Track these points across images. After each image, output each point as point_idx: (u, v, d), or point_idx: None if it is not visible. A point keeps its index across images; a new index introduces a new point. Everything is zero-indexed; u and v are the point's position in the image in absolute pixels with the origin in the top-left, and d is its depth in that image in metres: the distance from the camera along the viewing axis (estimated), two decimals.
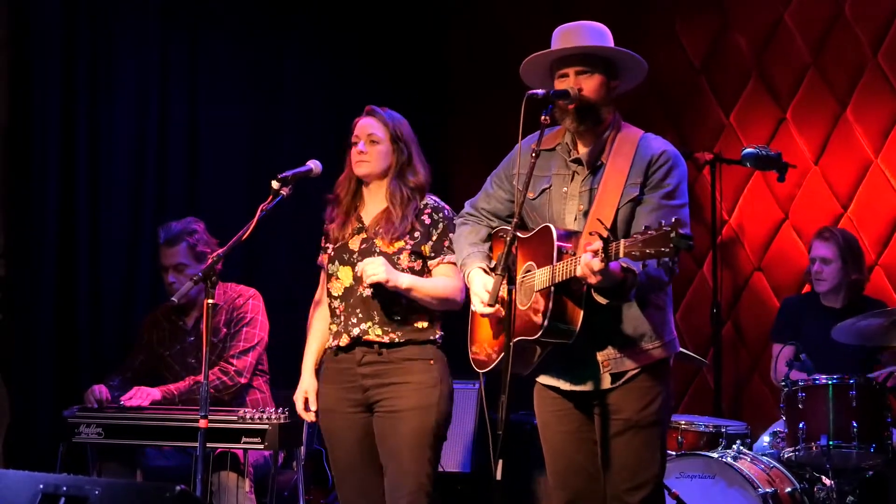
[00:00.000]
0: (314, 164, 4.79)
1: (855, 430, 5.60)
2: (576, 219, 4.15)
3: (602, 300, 3.95)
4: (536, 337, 4.00)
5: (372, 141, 4.81)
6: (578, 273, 3.82)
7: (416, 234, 4.79)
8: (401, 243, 4.77)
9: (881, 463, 5.72)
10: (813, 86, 7.15)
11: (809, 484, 5.79)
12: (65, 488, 3.82)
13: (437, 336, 4.81)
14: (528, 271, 4.12)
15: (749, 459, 5.75)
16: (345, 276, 4.80)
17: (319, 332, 4.93)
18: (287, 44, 7.53)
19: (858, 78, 7.01)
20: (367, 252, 4.77)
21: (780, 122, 7.26)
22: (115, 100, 6.54)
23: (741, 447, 5.83)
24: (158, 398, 5.52)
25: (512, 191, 4.31)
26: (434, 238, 4.81)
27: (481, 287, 4.20)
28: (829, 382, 5.70)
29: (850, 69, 7.05)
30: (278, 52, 7.48)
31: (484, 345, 4.32)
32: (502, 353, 4.06)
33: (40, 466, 4.66)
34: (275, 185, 4.66)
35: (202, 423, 4.44)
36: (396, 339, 4.73)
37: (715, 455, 5.75)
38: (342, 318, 4.78)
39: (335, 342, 4.79)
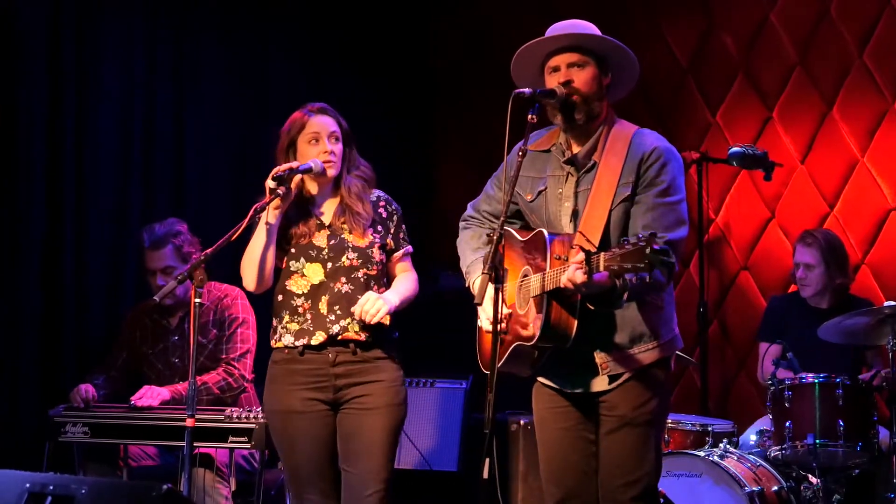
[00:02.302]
0: (314, 163, 4.71)
1: (841, 428, 5.61)
2: (571, 220, 4.15)
3: (591, 307, 3.97)
4: (533, 343, 4.02)
5: (336, 139, 4.79)
6: (563, 284, 3.85)
7: (379, 227, 4.80)
8: (370, 237, 4.76)
9: (867, 461, 5.74)
10: (799, 85, 7.16)
11: (796, 482, 5.81)
12: (51, 487, 3.82)
13: (396, 333, 4.81)
14: (526, 276, 4.13)
15: (736, 458, 5.75)
16: (312, 272, 4.72)
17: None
18: (271, 44, 7.51)
19: (844, 77, 7.02)
20: (338, 247, 4.73)
21: (767, 121, 7.27)
22: (101, 99, 6.52)
23: (728, 446, 5.83)
24: (167, 398, 5.50)
25: (511, 192, 4.30)
26: (392, 230, 4.83)
27: (489, 303, 4.13)
28: (816, 381, 5.72)
29: (836, 68, 7.07)
30: (262, 53, 7.46)
31: (489, 346, 4.30)
32: (504, 356, 4.11)
33: (26, 465, 4.64)
34: (270, 184, 4.61)
35: (189, 422, 4.42)
36: (370, 339, 4.72)
37: (701, 454, 5.76)
38: (309, 316, 4.70)
39: (300, 341, 4.69)
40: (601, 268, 3.73)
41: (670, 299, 4.25)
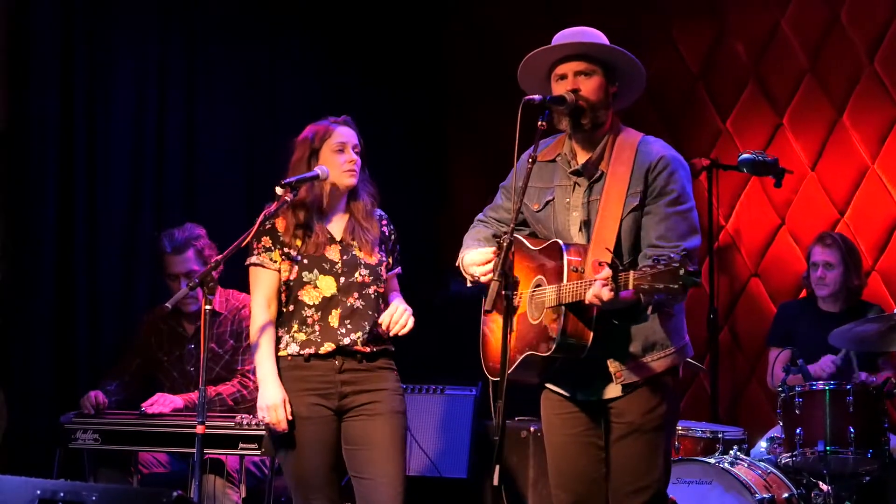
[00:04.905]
0: (321, 170, 4.74)
1: (852, 435, 5.60)
2: (580, 230, 4.16)
3: (615, 321, 4.01)
4: (548, 353, 4.03)
5: (358, 152, 4.82)
6: (587, 300, 3.86)
7: (383, 245, 4.85)
8: (377, 255, 4.81)
9: (878, 468, 5.73)
10: (810, 92, 7.16)
11: (806, 489, 5.80)
12: (62, 494, 3.85)
13: (393, 347, 4.85)
14: (539, 286, 4.14)
15: (746, 465, 5.75)
16: (325, 285, 4.75)
17: (273, 336, 4.79)
18: (282, 53, 7.52)
19: (855, 84, 7.02)
20: (351, 263, 4.76)
21: (777, 128, 7.27)
22: (112, 103, 6.53)
23: (738, 453, 5.83)
24: (180, 406, 5.50)
25: (521, 199, 4.31)
26: (390, 248, 4.90)
27: (472, 256, 4.24)
28: (826, 388, 5.70)
29: (846, 75, 7.06)
30: (274, 57, 7.48)
31: (495, 354, 4.30)
32: (513, 365, 4.10)
33: (37, 472, 4.65)
34: (279, 190, 4.62)
35: (199, 429, 4.43)
36: (375, 350, 4.77)
37: (712, 461, 5.75)
38: (318, 327, 4.73)
39: (307, 350, 4.72)
40: (630, 286, 3.73)
41: (681, 307, 4.26)
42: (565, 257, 4.01)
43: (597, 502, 4.25)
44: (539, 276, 4.15)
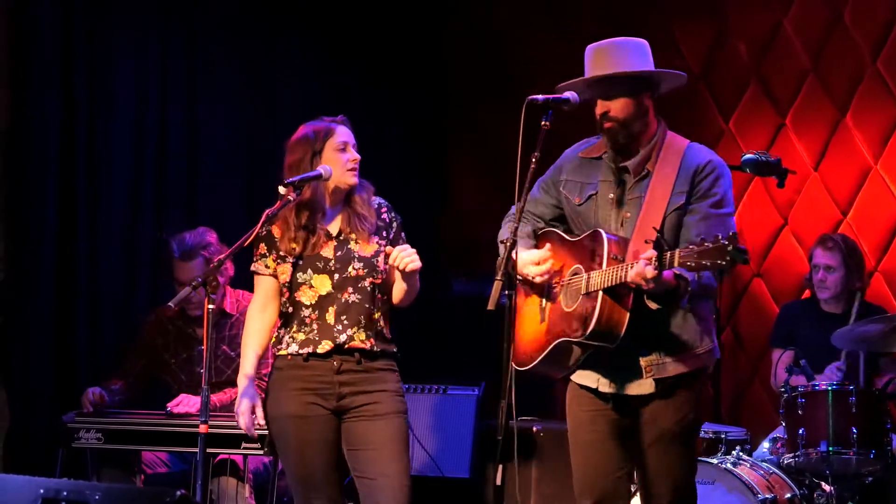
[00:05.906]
0: (324, 170, 4.72)
1: (854, 435, 5.60)
2: (622, 225, 4.21)
3: (653, 305, 4.03)
4: (580, 339, 4.07)
5: (356, 150, 4.81)
6: (629, 279, 3.90)
7: (383, 232, 4.81)
8: (375, 244, 4.77)
9: (880, 469, 5.73)
10: (812, 92, 7.16)
11: (809, 490, 5.80)
12: (65, 493, 3.85)
13: (396, 349, 4.83)
14: (576, 274, 4.18)
15: (748, 465, 5.75)
16: (320, 284, 4.72)
17: (261, 341, 4.84)
18: (283, 49, 7.53)
19: (858, 84, 7.02)
20: (344, 258, 4.73)
21: (780, 128, 7.27)
22: (113, 103, 6.53)
23: (741, 453, 5.83)
24: None
25: (559, 196, 4.39)
26: (392, 237, 4.84)
27: (528, 255, 4.25)
28: (829, 388, 5.71)
29: (849, 75, 7.06)
30: (274, 57, 7.48)
31: (523, 344, 4.34)
32: (543, 353, 4.18)
33: (39, 472, 4.64)
34: (282, 189, 4.60)
35: (202, 429, 4.42)
36: (375, 349, 4.73)
37: (714, 461, 5.76)
38: (315, 326, 4.71)
39: (306, 349, 4.70)
40: (675, 264, 3.81)
41: (711, 310, 4.33)
42: (605, 245, 4.07)
43: (619, 500, 4.31)
44: (577, 265, 4.20)
